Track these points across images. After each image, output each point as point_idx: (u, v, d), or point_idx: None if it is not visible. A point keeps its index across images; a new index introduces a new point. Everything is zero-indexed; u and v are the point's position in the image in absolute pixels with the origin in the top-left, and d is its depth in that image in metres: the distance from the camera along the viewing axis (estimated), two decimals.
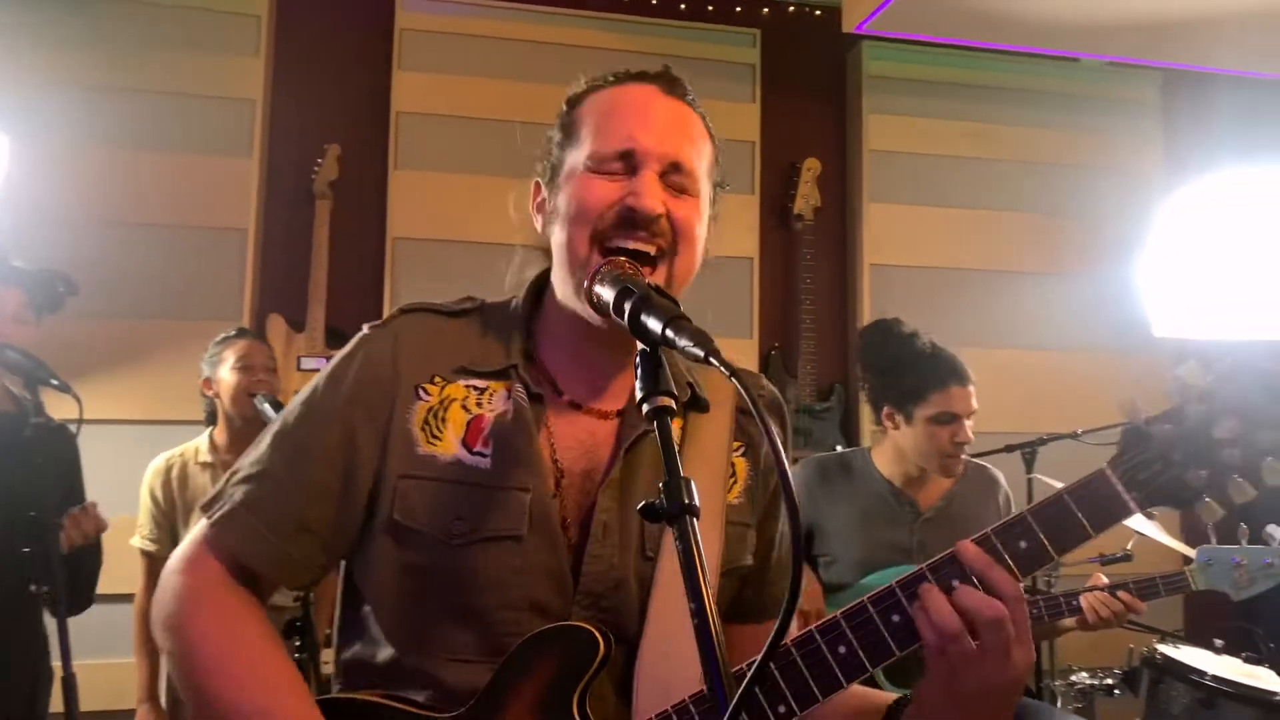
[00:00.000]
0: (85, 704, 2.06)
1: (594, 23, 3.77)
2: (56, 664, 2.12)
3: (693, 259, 1.09)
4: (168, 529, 2.76)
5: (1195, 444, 0.93)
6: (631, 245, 1.03)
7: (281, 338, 3.47)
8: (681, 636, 1.00)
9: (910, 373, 2.36)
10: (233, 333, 2.86)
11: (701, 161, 1.09)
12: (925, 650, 0.94)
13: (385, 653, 1.05)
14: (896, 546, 2.35)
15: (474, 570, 1.01)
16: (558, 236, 1.07)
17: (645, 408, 0.81)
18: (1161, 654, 2.74)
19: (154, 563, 2.72)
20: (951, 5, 3.03)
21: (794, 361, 3.80)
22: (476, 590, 1.01)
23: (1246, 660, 2.77)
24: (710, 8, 3.91)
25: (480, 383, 1.09)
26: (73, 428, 2.20)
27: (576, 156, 1.07)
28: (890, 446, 2.44)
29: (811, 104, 4.02)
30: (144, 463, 2.79)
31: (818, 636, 0.95)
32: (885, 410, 2.42)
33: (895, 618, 0.94)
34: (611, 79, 1.12)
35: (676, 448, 1.06)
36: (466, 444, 1.05)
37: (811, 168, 3.88)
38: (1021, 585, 0.94)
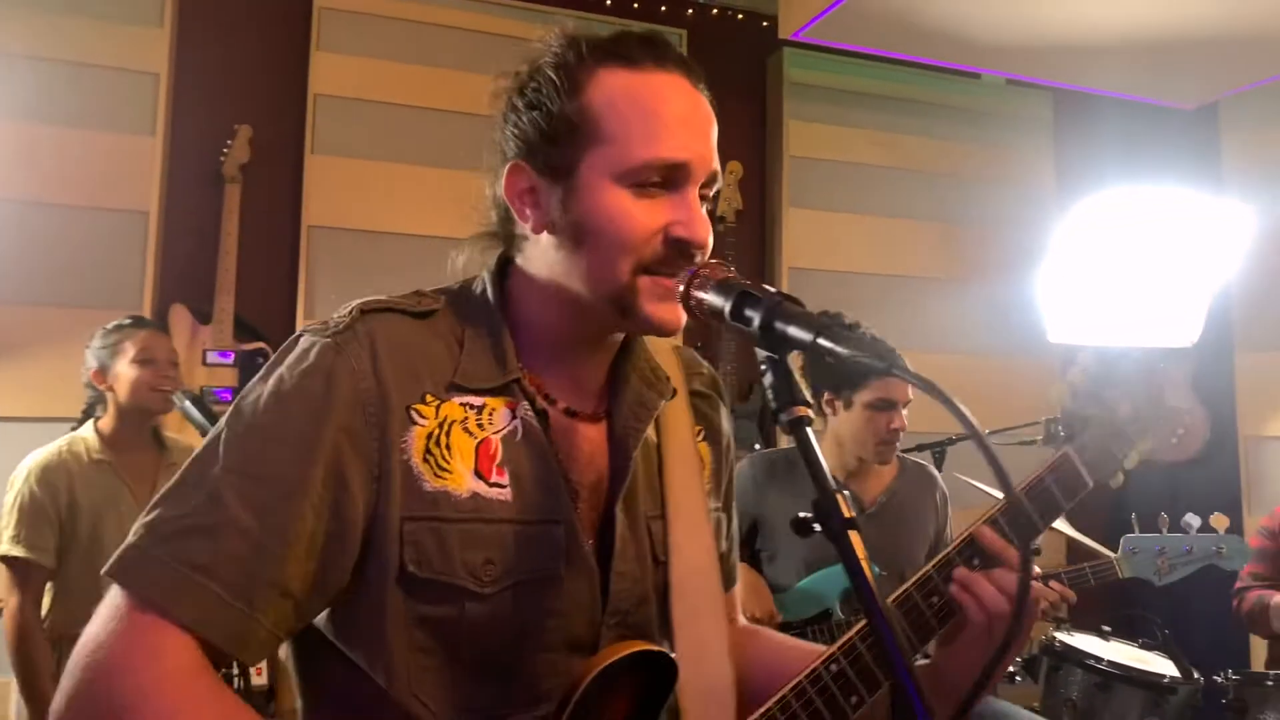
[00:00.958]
0: None
1: (519, 12, 3.70)
2: None
3: None
4: (52, 535, 2.45)
5: (1112, 425, 1.14)
6: (678, 268, 0.93)
7: (185, 329, 3.26)
8: (711, 641, 1.01)
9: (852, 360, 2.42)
10: (127, 321, 2.64)
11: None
12: (968, 627, 1.03)
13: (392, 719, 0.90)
14: None
15: (506, 617, 0.90)
16: (586, 257, 0.94)
17: (783, 418, 0.78)
18: (1060, 641, 2.91)
19: (29, 571, 2.43)
20: (882, 18, 3.13)
21: (715, 361, 3.84)
22: (511, 638, 0.91)
23: (1143, 647, 2.97)
24: (636, 5, 3.91)
25: (477, 400, 0.94)
26: None
27: (603, 161, 0.93)
28: (829, 438, 2.49)
29: (734, 107, 4.06)
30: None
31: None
32: (825, 396, 2.48)
33: (934, 599, 1.06)
34: (620, 58, 0.95)
35: (656, 441, 1.06)
36: (480, 474, 0.92)
37: (734, 170, 3.93)
38: None
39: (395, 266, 3.47)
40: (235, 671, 2.41)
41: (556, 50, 0.98)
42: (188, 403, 2.56)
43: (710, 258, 0.94)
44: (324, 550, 0.86)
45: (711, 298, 0.87)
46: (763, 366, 0.82)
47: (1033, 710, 2.59)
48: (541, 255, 0.98)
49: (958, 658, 1.04)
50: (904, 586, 1.07)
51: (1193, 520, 2.37)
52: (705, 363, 1.19)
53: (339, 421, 0.87)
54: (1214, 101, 4.12)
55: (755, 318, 0.82)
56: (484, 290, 1.01)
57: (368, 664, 0.90)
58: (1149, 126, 4.35)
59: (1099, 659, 2.97)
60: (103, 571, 0.82)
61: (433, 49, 3.58)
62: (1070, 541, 2.65)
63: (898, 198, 4.21)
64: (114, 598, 0.82)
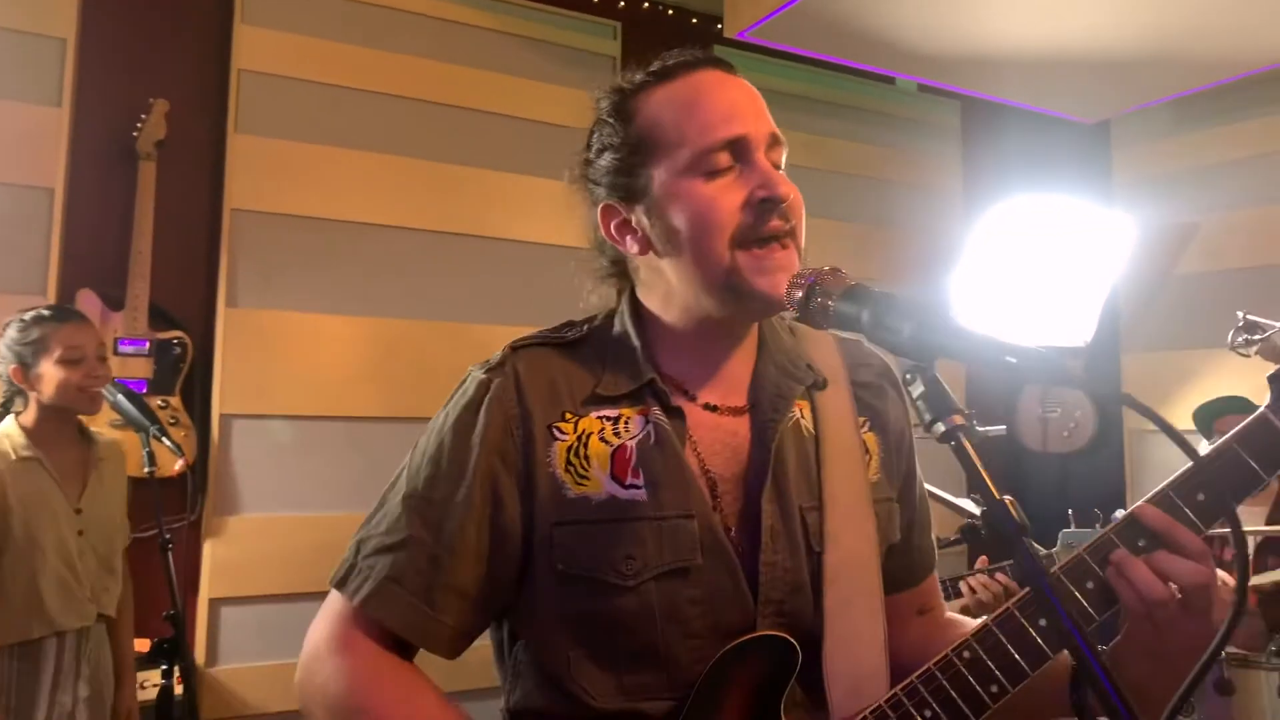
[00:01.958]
0: None
1: None
2: None
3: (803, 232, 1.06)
4: None
5: None
6: (772, 230, 0.99)
7: (94, 315, 3.00)
8: (863, 630, 1.03)
9: None
10: (47, 313, 2.43)
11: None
12: (1128, 614, 0.94)
13: (564, 703, 1.00)
14: None
15: (649, 607, 0.98)
16: (688, 255, 1.01)
17: (940, 428, 0.79)
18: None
19: None
20: (825, 22, 3.20)
21: None
22: (654, 627, 0.98)
23: None
24: None
25: (612, 411, 1.04)
26: None
27: (671, 166, 1.01)
28: None
29: None
30: None
31: (1017, 614, 0.95)
32: None
33: (1090, 584, 0.95)
34: (653, 77, 1.05)
35: (814, 433, 1.07)
36: (616, 478, 1.01)
37: None
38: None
39: (324, 252, 3.32)
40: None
41: (605, 98, 1.08)
42: (120, 396, 2.41)
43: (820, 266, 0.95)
44: (490, 557, 1.00)
45: (845, 307, 0.89)
46: (908, 375, 0.83)
47: None
48: (653, 276, 1.08)
49: (1124, 648, 0.97)
50: (1053, 569, 0.95)
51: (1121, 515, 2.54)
52: (876, 353, 1.19)
53: (491, 445, 1.01)
54: (1108, 119, 4.41)
55: (904, 328, 0.83)
56: (622, 316, 1.11)
57: (537, 650, 1.03)
58: (1049, 138, 4.62)
59: None
60: (329, 581, 1.03)
61: (365, 29, 3.43)
62: None
63: (821, 199, 4.30)
64: (332, 600, 1.04)
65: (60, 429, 2.44)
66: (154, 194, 3.10)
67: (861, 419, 1.13)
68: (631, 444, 1.02)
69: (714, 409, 1.07)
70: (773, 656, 0.98)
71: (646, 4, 4.07)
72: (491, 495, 1.00)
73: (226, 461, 3.14)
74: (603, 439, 1.02)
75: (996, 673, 0.94)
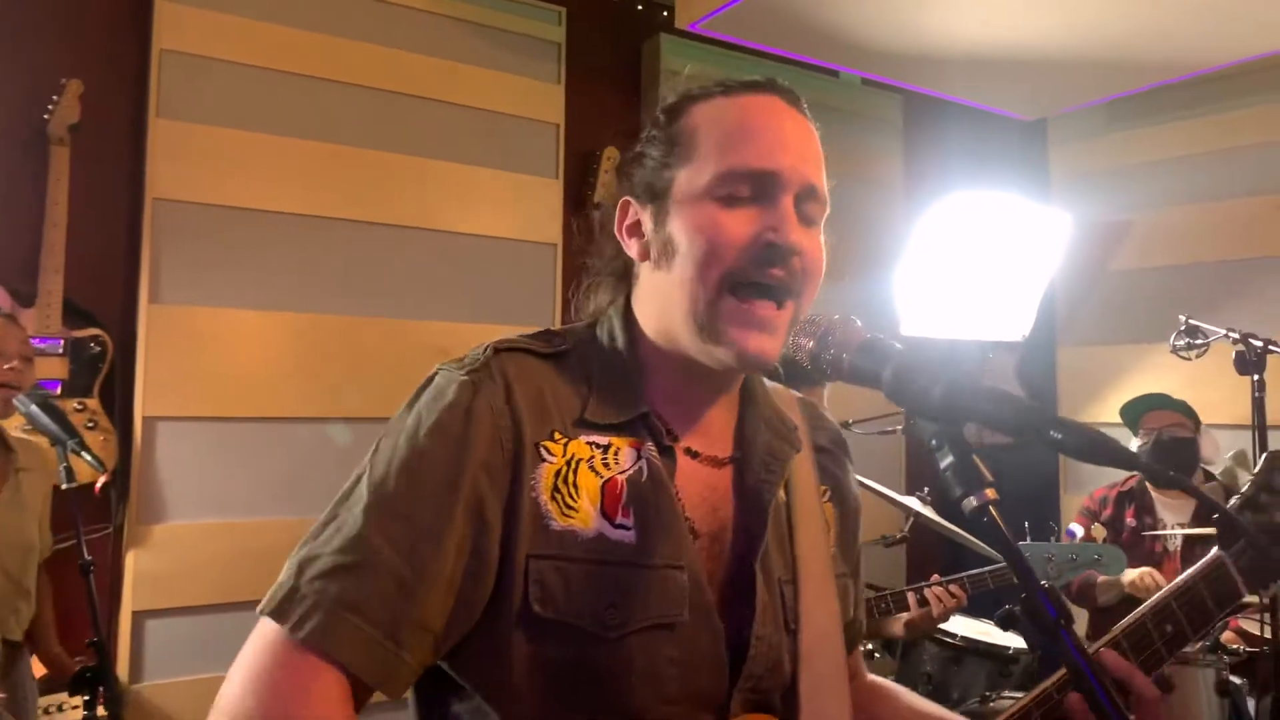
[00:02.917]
0: None
1: None
2: None
3: (813, 298, 0.99)
4: None
5: (1273, 529, 1.04)
6: (769, 278, 0.92)
7: None
8: (833, 710, 0.98)
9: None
10: None
11: (825, 185, 0.99)
12: None
13: None
14: None
15: (628, 664, 0.87)
16: (676, 274, 0.94)
17: (972, 502, 0.75)
18: None
19: None
20: (776, 15, 3.15)
21: None
22: (629, 686, 0.88)
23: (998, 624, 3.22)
24: None
25: (602, 439, 0.94)
26: None
27: (694, 176, 0.94)
28: None
29: (613, 92, 3.98)
30: None
31: (1055, 694, 0.96)
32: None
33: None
34: (720, 88, 0.99)
35: (786, 499, 1.02)
36: (607, 514, 0.90)
37: (611, 156, 3.84)
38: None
39: (254, 245, 3.16)
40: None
41: (669, 97, 1.03)
42: (34, 407, 2.25)
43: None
44: (462, 587, 0.86)
45: (862, 362, 0.85)
46: (934, 442, 0.78)
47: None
48: (645, 284, 1.00)
49: None
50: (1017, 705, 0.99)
51: (1076, 529, 2.58)
52: (830, 417, 1.14)
53: (479, 458, 0.88)
54: (1046, 117, 4.47)
55: (935, 390, 0.78)
56: (610, 328, 1.01)
57: (487, 701, 0.88)
58: (989, 134, 4.66)
59: (952, 634, 3.22)
60: (258, 610, 0.83)
61: (297, 8, 3.24)
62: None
63: None
64: (268, 634, 0.82)
65: None
66: (68, 181, 2.89)
67: (823, 488, 1.08)
68: (622, 479, 0.92)
69: (694, 455, 0.99)
70: None
71: None
72: (476, 516, 0.86)
73: (150, 467, 2.97)
74: (592, 468, 0.92)
75: None
